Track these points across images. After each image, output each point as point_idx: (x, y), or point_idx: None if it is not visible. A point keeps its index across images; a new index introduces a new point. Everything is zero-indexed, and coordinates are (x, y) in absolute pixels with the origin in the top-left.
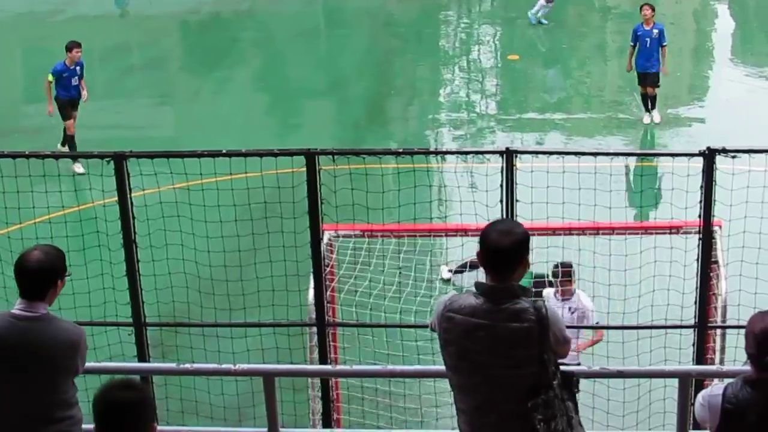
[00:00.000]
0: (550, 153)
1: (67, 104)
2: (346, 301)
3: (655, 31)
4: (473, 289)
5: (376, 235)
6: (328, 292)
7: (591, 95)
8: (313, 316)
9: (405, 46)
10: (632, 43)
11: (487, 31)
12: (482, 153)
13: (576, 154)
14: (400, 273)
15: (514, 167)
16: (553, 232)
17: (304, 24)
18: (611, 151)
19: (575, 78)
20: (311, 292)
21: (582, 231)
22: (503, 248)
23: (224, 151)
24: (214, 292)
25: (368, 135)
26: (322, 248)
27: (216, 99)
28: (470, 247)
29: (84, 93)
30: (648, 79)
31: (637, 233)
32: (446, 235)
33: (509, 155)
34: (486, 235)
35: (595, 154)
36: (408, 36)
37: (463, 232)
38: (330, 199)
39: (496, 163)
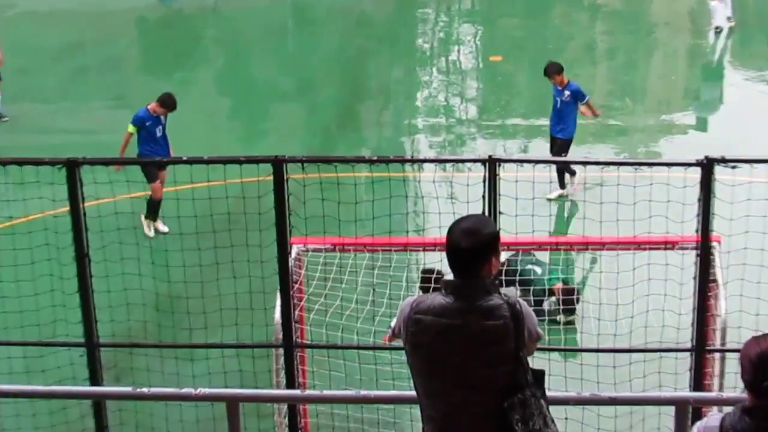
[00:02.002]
0: (536, 162)
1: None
2: (316, 320)
3: (567, 92)
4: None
5: (348, 249)
6: (296, 311)
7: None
8: (280, 336)
9: (379, 46)
10: None
11: (467, 30)
12: (463, 161)
13: (563, 162)
14: (374, 290)
15: (498, 177)
16: (539, 246)
17: (272, 22)
18: (601, 159)
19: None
20: (278, 311)
21: (570, 246)
22: (463, 249)
23: (185, 158)
24: (173, 310)
25: (340, 141)
26: (289, 263)
27: (176, 102)
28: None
29: (170, 151)
30: (554, 145)
31: (630, 248)
32: (424, 250)
33: (492, 164)
34: (449, 232)
35: (584, 163)
36: (382, 35)
37: (442, 246)
38: (299, 210)
39: (478, 172)
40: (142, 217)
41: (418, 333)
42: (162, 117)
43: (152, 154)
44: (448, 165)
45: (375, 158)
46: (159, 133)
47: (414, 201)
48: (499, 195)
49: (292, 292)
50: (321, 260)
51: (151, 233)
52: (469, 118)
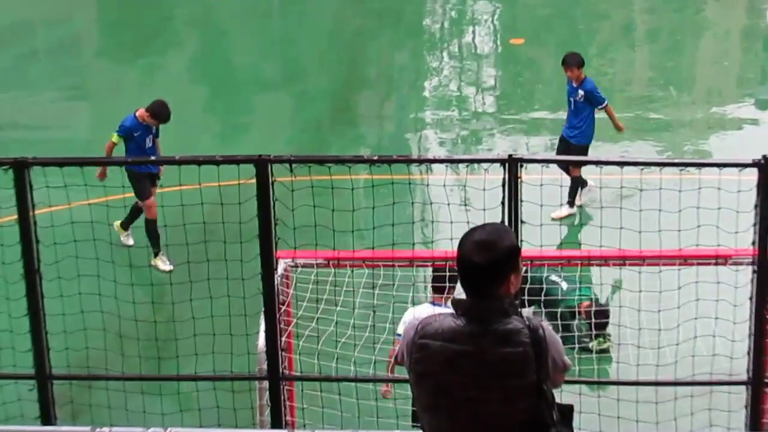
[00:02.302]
0: (564, 162)
1: (144, 176)
2: (307, 348)
3: (581, 92)
4: (450, 308)
5: (344, 265)
6: (284, 338)
7: (615, 90)
8: (265, 367)
9: (380, 26)
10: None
11: (483, 8)
12: (478, 162)
13: (597, 163)
14: (374, 313)
15: (519, 180)
16: (568, 261)
17: None
18: (641, 159)
19: (595, 68)
20: (262, 337)
21: (604, 261)
22: (477, 265)
23: (152, 158)
24: (138, 337)
25: (334, 138)
26: (275, 281)
27: (143, 92)
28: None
29: (160, 169)
30: (566, 151)
31: (675, 264)
32: (432, 265)
33: (513, 165)
34: (461, 245)
35: (620, 164)
36: (384, 13)
37: (454, 261)
38: (286, 218)
39: (496, 174)
40: (152, 260)
41: (423, 360)
42: (153, 126)
43: (141, 170)
44: (461, 166)
45: (375, 158)
46: (149, 144)
47: (421, 208)
48: (521, 201)
49: (278, 315)
50: (312, 278)
51: (167, 267)
52: (485, 111)
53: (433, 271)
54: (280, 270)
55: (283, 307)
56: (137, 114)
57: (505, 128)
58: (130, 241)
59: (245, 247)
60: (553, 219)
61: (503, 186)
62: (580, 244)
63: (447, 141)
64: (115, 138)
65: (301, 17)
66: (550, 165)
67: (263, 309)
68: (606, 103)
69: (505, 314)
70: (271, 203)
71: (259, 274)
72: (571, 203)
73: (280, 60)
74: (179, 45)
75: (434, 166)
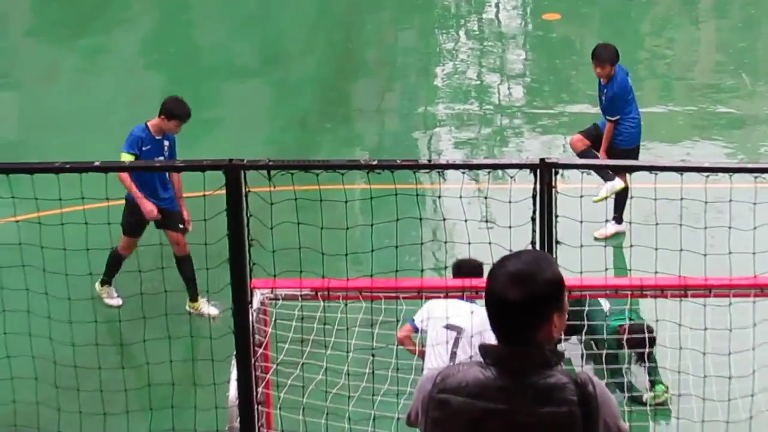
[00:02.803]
0: (609, 167)
1: (139, 209)
2: (289, 402)
3: (609, 93)
4: (478, 356)
5: (336, 297)
6: (260, 388)
7: (674, 77)
8: (237, 425)
9: None
10: None
11: None
12: (503, 168)
13: (650, 169)
14: (373, 357)
15: (554, 189)
16: (616, 291)
17: None
18: (706, 165)
19: (649, 50)
20: (233, 387)
21: (661, 291)
22: (512, 304)
23: (97, 164)
24: (78, 387)
25: (324, 138)
26: (251, 317)
27: (83, 81)
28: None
29: (180, 194)
30: (610, 154)
31: (749, 294)
32: (446, 296)
33: (546, 171)
34: (491, 277)
35: (680, 170)
36: None
37: (474, 291)
38: (264, 239)
39: (525, 183)
40: (98, 287)
41: (442, 421)
42: (167, 139)
43: (151, 197)
44: (481, 173)
45: (375, 163)
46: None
47: (432, 226)
48: (556, 216)
49: (254, 360)
50: (296, 313)
51: (114, 300)
52: (512, 104)
53: (455, 267)
54: (256, 303)
55: (260, 350)
56: (149, 124)
57: (536, 125)
58: (116, 301)
59: (212, 274)
60: (596, 239)
61: (534, 198)
62: (629, 270)
63: (464, 142)
64: (124, 157)
65: None
66: (592, 172)
67: (235, 352)
68: (617, 118)
69: (547, 365)
70: (245, 219)
71: (229, 309)
72: (618, 219)
73: (257, 40)
74: (129, 22)
75: (448, 173)
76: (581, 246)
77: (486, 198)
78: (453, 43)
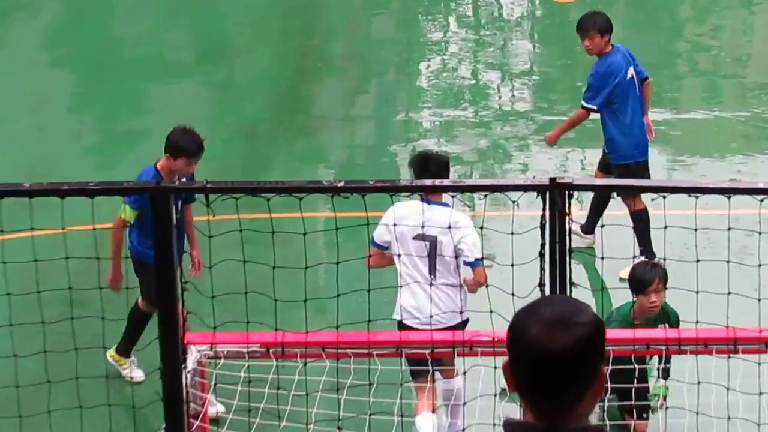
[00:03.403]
0: (635, 189)
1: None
2: None
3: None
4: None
5: (293, 355)
6: None
7: (721, 75)
8: None
9: None
10: None
11: None
12: (505, 189)
13: (691, 191)
14: (340, 430)
15: (568, 217)
16: (647, 346)
17: None
18: (761, 185)
19: (689, 41)
20: None
21: (705, 345)
22: (557, 355)
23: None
24: None
25: (277, 153)
26: (184, 380)
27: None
28: (487, 375)
29: (194, 246)
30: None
31: None
32: (431, 353)
33: (558, 193)
34: (522, 330)
35: (728, 192)
36: None
37: (468, 346)
38: (201, 281)
39: (533, 209)
40: (114, 356)
41: None
42: (181, 179)
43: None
44: (477, 196)
45: (342, 184)
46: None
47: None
48: (571, 251)
49: None
50: (242, 375)
51: (138, 375)
52: (515, 109)
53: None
54: (191, 363)
55: (196, 423)
56: (158, 165)
57: (544, 136)
58: (138, 374)
59: None
60: (621, 279)
61: (543, 227)
62: (667, 320)
63: (455, 157)
64: (128, 213)
65: None
66: (616, 194)
67: (164, 426)
68: (591, 108)
69: None
70: (175, 257)
71: (157, 370)
72: (647, 253)
73: (193, 30)
74: (28, 8)
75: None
76: (602, 288)
77: (482, 228)
78: (441, 33)
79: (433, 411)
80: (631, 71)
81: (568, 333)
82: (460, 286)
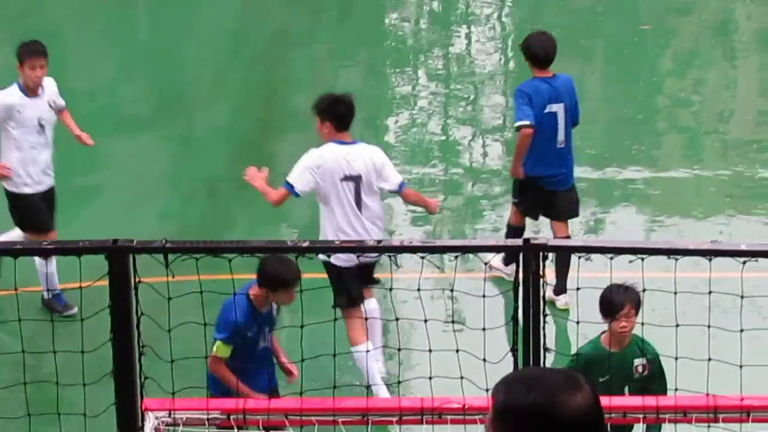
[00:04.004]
0: (614, 252)
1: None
2: None
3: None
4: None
5: (254, 421)
6: None
7: (702, 131)
8: None
9: (316, 23)
10: None
11: None
12: (477, 250)
13: (670, 253)
14: None
15: (542, 279)
16: (624, 415)
17: None
18: (743, 247)
19: (669, 96)
20: None
21: (684, 413)
22: (600, 418)
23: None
24: None
25: (238, 211)
26: None
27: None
28: None
29: (281, 357)
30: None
31: None
32: (399, 421)
33: (532, 254)
34: (550, 416)
35: (708, 254)
36: (322, 2)
37: (437, 414)
38: (159, 344)
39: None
40: None
41: None
42: (270, 309)
43: (251, 385)
44: (447, 257)
45: (306, 245)
46: (263, 343)
47: (383, 327)
48: (545, 315)
49: None
50: None
51: None
52: (488, 167)
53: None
54: (148, 430)
55: None
56: (251, 294)
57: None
58: None
59: (90, 392)
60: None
61: (516, 289)
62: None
63: (423, 217)
64: (221, 350)
65: (185, 8)
66: (591, 255)
67: None
68: (521, 124)
69: None
70: (134, 319)
71: None
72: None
73: (150, 81)
74: None
75: (403, 257)
76: (576, 354)
77: (452, 291)
78: (410, 86)
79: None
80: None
81: (584, 392)
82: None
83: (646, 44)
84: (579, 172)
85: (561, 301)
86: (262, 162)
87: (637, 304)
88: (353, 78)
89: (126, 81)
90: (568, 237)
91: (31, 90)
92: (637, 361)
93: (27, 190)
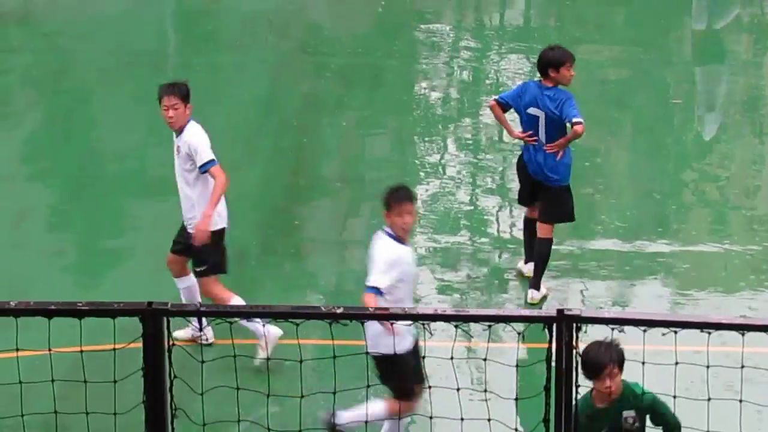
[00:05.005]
0: (647, 324)
1: None
2: None
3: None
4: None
5: None
6: None
7: (730, 206)
8: None
9: (346, 91)
10: None
11: (513, 65)
12: (509, 320)
13: (703, 326)
14: None
15: (575, 350)
16: None
17: (125, 40)
18: None
19: (697, 170)
20: None
21: None
22: None
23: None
24: None
25: (266, 276)
26: None
27: None
28: None
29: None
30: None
31: None
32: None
33: (566, 324)
34: None
35: (740, 328)
36: (351, 72)
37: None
38: (191, 407)
39: (537, 342)
40: None
41: None
42: None
43: None
44: (476, 326)
45: (340, 310)
46: None
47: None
48: (577, 386)
49: None
50: None
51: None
52: (516, 236)
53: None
54: None
55: None
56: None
57: (552, 264)
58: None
59: None
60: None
61: (548, 360)
62: None
63: (450, 286)
64: None
65: (215, 73)
66: (620, 326)
67: None
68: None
69: None
70: (167, 382)
71: None
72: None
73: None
74: (9, 119)
75: (434, 326)
76: (575, 409)
77: (486, 360)
78: (438, 155)
79: None
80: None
81: None
82: None
83: (673, 118)
84: (609, 244)
85: (532, 295)
86: (288, 226)
87: (620, 362)
88: (381, 146)
89: (156, 144)
90: (546, 239)
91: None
92: (626, 413)
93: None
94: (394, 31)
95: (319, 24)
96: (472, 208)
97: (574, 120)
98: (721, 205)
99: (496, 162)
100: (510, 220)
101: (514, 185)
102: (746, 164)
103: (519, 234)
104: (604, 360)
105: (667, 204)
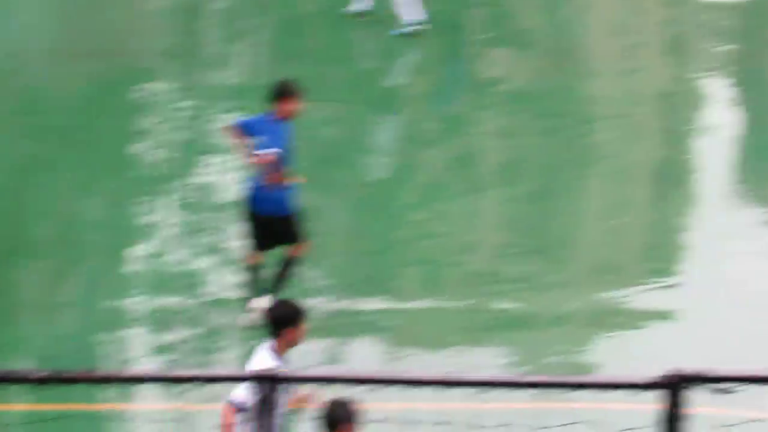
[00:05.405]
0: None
1: None
2: None
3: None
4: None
5: None
6: None
7: (444, 263)
8: None
9: (64, 155)
10: None
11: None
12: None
13: (410, 383)
14: None
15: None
16: None
17: None
18: (467, 377)
19: (411, 226)
20: None
21: None
22: None
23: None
24: None
25: None
26: None
27: None
28: None
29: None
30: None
31: None
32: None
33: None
34: None
35: (443, 383)
36: (70, 133)
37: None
38: None
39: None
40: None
41: None
42: None
43: None
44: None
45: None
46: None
47: None
48: None
49: None
50: None
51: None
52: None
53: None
54: None
55: None
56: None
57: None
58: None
59: None
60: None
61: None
62: None
63: (167, 344)
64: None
65: None
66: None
67: None
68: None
69: None
70: None
71: None
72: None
73: None
74: None
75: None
76: None
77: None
78: (156, 215)
79: None
80: None
81: None
82: None
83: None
84: (315, 302)
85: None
86: None
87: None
88: (95, 207)
89: None
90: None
91: None
92: None
93: None
94: (110, 91)
95: (36, 85)
96: (186, 267)
97: None
98: (436, 263)
99: (212, 221)
100: (226, 279)
101: (231, 243)
102: (463, 220)
103: (232, 293)
104: (343, 415)
105: (380, 261)
